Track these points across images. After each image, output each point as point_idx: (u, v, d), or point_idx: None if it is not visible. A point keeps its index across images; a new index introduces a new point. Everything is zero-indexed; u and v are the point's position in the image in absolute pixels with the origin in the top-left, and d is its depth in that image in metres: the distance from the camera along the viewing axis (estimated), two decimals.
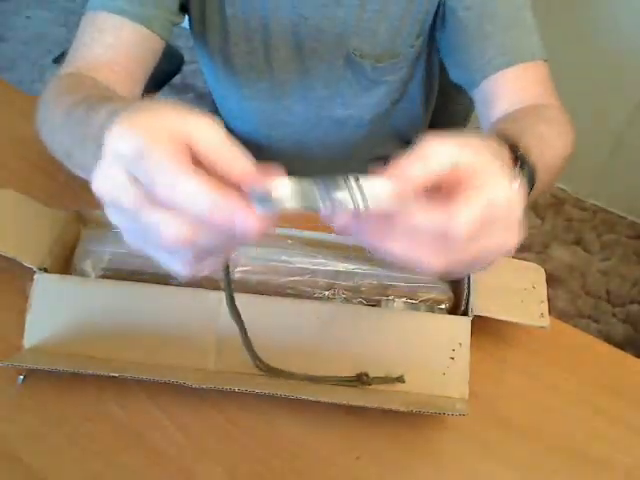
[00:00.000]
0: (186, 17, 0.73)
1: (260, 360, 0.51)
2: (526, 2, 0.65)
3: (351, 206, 0.28)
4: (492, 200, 0.30)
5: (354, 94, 0.76)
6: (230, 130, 0.89)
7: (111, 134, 0.30)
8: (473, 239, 0.30)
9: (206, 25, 0.72)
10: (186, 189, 0.27)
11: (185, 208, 0.28)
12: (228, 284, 0.45)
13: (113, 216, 0.31)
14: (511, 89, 0.63)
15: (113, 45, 0.61)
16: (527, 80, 0.63)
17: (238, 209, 0.27)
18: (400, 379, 0.52)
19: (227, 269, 0.44)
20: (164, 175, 0.28)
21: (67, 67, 0.61)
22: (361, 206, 0.28)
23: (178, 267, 0.32)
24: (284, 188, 0.28)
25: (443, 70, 0.76)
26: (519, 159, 0.40)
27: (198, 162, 0.29)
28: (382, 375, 0.52)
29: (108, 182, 0.30)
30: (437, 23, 0.69)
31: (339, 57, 0.72)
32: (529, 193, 0.42)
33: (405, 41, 0.70)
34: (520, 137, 0.43)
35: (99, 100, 0.45)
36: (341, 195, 0.28)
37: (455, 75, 0.70)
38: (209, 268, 0.32)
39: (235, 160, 0.29)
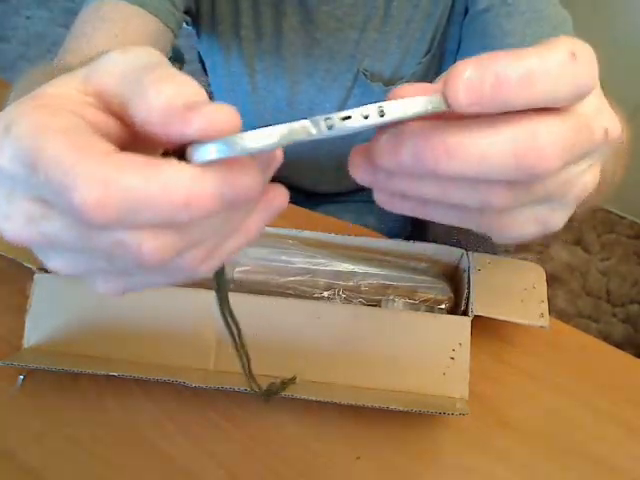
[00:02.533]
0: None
1: (257, 384, 0.44)
2: (550, 0, 0.61)
3: (360, 120, 0.21)
4: (590, 109, 0.22)
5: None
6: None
7: None
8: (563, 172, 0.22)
9: (215, 19, 0.70)
10: (135, 192, 0.19)
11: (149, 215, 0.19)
12: (221, 290, 0.34)
13: (56, 264, 0.22)
14: None
15: (118, 36, 0.54)
16: None
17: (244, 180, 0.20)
18: (292, 380, 0.50)
19: (222, 272, 0.33)
20: (82, 185, 0.18)
21: (56, 59, 0.55)
22: (376, 117, 0.21)
23: (186, 275, 0.23)
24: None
25: None
26: None
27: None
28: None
29: (18, 222, 0.21)
30: (452, 33, 0.68)
31: (350, 75, 0.71)
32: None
33: (415, 60, 0.70)
34: None
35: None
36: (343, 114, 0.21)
37: None
38: (217, 263, 0.24)
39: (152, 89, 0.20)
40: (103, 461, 0.50)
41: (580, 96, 0.21)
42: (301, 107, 0.75)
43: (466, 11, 0.65)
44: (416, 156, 0.21)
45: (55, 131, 0.19)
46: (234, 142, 0.20)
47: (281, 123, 0.21)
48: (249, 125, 0.19)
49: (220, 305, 0.32)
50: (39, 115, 0.20)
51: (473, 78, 0.20)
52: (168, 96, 0.19)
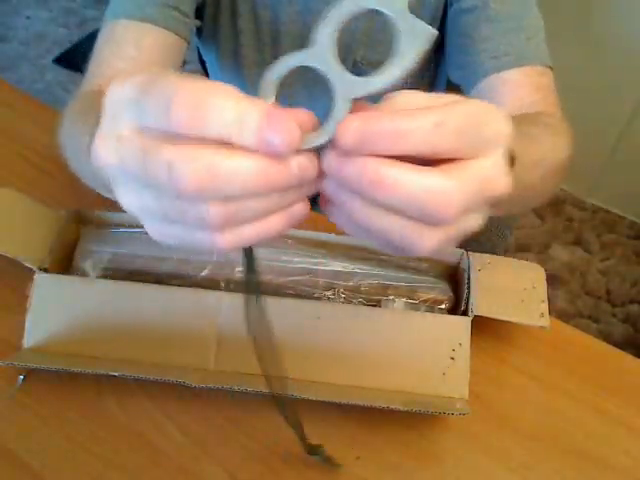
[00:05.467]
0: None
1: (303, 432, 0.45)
2: (531, 6, 0.64)
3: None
4: (485, 171, 0.27)
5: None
6: None
7: (110, 89, 0.26)
8: (464, 213, 0.26)
9: (218, 26, 0.71)
10: (216, 101, 0.23)
11: (215, 127, 0.23)
12: (251, 275, 0.33)
13: (123, 195, 0.27)
14: (510, 93, 0.61)
15: (134, 57, 0.58)
16: (527, 86, 0.61)
17: (285, 117, 0.24)
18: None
19: (250, 253, 0.33)
20: (182, 93, 0.23)
21: (87, 84, 0.59)
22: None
23: (208, 238, 0.26)
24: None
25: (450, 82, 0.75)
26: None
27: None
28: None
29: (109, 142, 0.26)
30: (442, 27, 0.69)
31: (346, 65, 0.71)
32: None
33: None
34: None
35: None
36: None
37: (455, 76, 0.70)
38: (250, 236, 0.26)
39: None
40: (103, 461, 0.50)
41: (450, 153, 0.25)
42: (298, 96, 0.75)
43: (451, 4, 0.65)
44: (352, 177, 0.25)
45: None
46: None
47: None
48: None
49: (247, 289, 0.33)
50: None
51: (358, 130, 0.25)
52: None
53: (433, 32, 0.25)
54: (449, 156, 0.26)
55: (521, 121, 0.55)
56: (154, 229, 0.27)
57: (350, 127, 0.25)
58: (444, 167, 0.25)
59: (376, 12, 0.25)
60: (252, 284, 0.32)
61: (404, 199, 0.25)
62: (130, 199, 0.26)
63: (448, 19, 0.66)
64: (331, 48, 0.25)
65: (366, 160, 0.25)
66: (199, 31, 0.74)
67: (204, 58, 0.83)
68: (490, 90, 0.62)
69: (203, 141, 0.23)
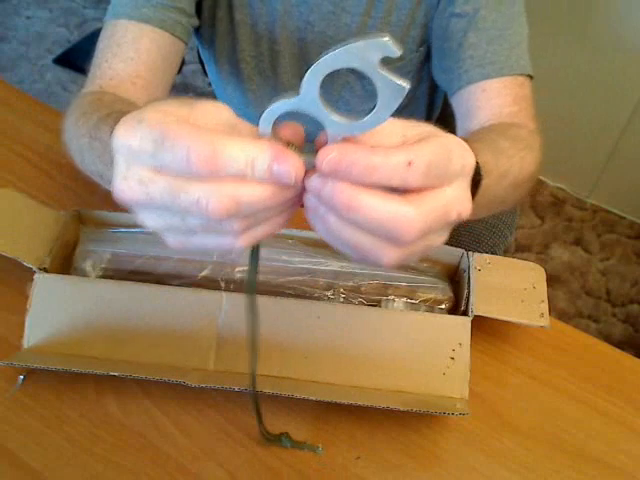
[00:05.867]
0: None
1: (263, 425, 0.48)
2: (518, 16, 0.64)
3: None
4: (447, 200, 0.30)
5: (359, 100, 0.76)
6: None
7: (119, 135, 0.29)
8: (425, 235, 0.30)
9: (215, 29, 0.72)
10: (229, 150, 0.27)
11: (231, 169, 0.28)
12: (253, 269, 0.37)
13: (147, 219, 0.31)
14: (489, 103, 0.62)
15: (133, 58, 0.60)
16: (506, 96, 0.62)
17: (290, 155, 0.28)
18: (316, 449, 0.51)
19: (256, 251, 0.37)
20: (198, 146, 0.27)
21: (90, 85, 0.61)
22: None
23: (230, 242, 0.31)
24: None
25: None
26: None
27: None
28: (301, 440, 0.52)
29: (132, 183, 0.29)
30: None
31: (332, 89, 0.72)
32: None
33: (410, 47, 0.70)
34: (473, 143, 0.43)
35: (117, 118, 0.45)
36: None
37: (438, 78, 0.71)
38: (262, 235, 0.32)
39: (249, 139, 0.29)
40: (103, 461, 0.50)
41: (419, 187, 0.29)
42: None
43: (441, 4, 0.65)
44: (328, 197, 0.29)
45: (177, 119, 0.29)
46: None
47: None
48: (253, 114, 0.24)
49: (248, 282, 0.36)
50: (162, 115, 0.29)
51: (334, 159, 0.28)
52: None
53: (406, 87, 0.28)
54: (417, 189, 0.29)
55: (494, 132, 0.57)
56: (176, 241, 0.32)
57: (328, 156, 0.29)
58: (410, 196, 0.29)
59: (353, 69, 0.28)
60: (253, 276, 0.36)
61: (370, 221, 0.29)
62: (155, 222, 0.31)
63: (436, 19, 0.66)
64: (318, 95, 0.29)
65: (341, 185, 0.29)
66: (197, 30, 0.74)
67: (202, 58, 0.83)
68: (470, 98, 0.63)
69: (221, 178, 0.28)
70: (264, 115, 0.30)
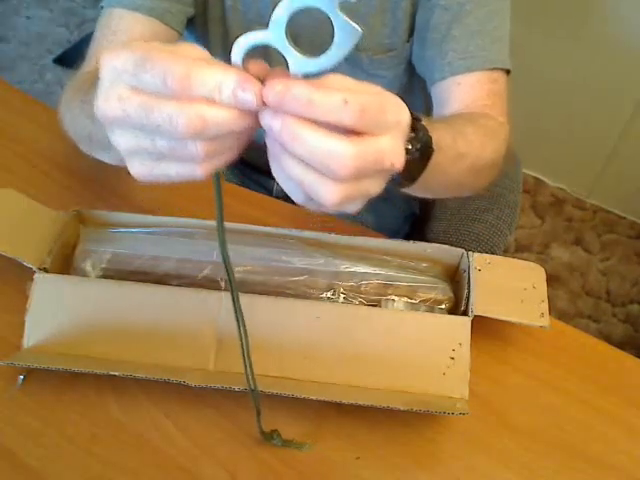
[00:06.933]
0: None
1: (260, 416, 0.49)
2: (501, 11, 0.65)
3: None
4: (382, 147, 0.33)
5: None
6: None
7: (105, 57, 0.32)
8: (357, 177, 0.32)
9: (207, 16, 0.72)
10: (201, 73, 0.30)
11: (201, 91, 0.31)
12: (219, 206, 0.37)
13: (121, 139, 0.33)
14: (463, 95, 0.64)
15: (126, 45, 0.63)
16: (480, 90, 0.64)
17: (253, 82, 0.31)
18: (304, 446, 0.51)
19: (219, 178, 0.37)
20: (174, 67, 0.30)
21: (85, 67, 0.63)
22: None
23: (191, 169, 0.33)
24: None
25: None
26: (416, 127, 0.41)
27: None
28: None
29: (112, 101, 0.32)
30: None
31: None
32: (420, 167, 0.43)
33: (401, 37, 0.70)
34: (432, 119, 0.44)
35: None
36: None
37: (419, 68, 0.72)
38: (221, 163, 0.34)
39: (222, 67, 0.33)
40: (103, 461, 0.50)
41: (356, 128, 0.32)
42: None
43: None
44: (276, 128, 0.32)
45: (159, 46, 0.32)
46: None
47: None
48: None
49: (217, 219, 0.38)
50: (146, 44, 0.32)
51: (278, 91, 0.31)
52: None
53: (360, 32, 0.31)
54: (355, 130, 0.32)
55: (460, 117, 0.59)
56: (143, 167, 0.34)
57: (273, 88, 0.31)
58: (350, 137, 0.32)
59: (316, 9, 0.31)
60: (221, 208, 0.37)
61: (311, 153, 0.31)
62: (127, 143, 0.33)
63: (420, 9, 0.67)
64: (285, 30, 0.32)
65: (288, 119, 0.31)
66: (191, 21, 0.74)
67: None
68: (446, 90, 0.65)
69: (192, 98, 0.31)
70: (235, 47, 0.32)
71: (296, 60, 0.32)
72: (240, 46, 0.32)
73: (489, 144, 0.56)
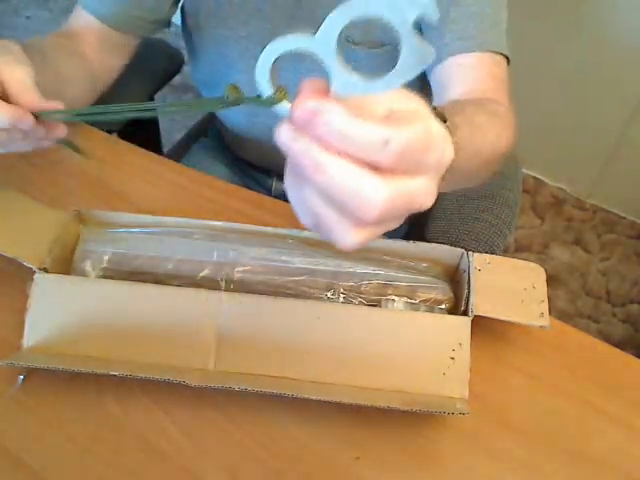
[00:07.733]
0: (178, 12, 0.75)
1: None
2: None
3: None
4: (416, 189, 0.28)
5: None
6: (221, 123, 0.89)
7: None
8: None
9: (200, 11, 0.72)
10: None
11: None
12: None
13: None
14: (465, 76, 0.63)
15: (85, 42, 0.69)
16: (482, 71, 0.63)
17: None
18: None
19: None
20: None
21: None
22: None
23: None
24: None
25: None
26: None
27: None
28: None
29: None
30: None
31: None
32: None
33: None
34: (452, 116, 0.41)
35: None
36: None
37: None
38: (14, 150, 0.46)
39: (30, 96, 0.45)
40: (103, 461, 0.50)
41: (389, 169, 0.26)
42: (285, 74, 0.75)
43: None
44: (298, 154, 0.27)
45: None
46: None
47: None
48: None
49: None
50: None
51: (311, 108, 0.26)
52: None
53: (433, 53, 0.25)
54: (388, 170, 0.27)
55: (472, 105, 0.57)
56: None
57: (304, 104, 0.26)
58: (381, 174, 0.27)
59: (382, 21, 0.25)
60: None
61: (336, 188, 0.26)
62: None
63: None
64: (335, 42, 0.26)
65: (312, 143, 0.26)
66: (184, 19, 0.75)
67: (187, 50, 0.83)
68: (447, 71, 0.64)
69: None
70: (270, 47, 0.28)
71: (343, 80, 0.26)
72: (277, 46, 0.28)
73: (503, 134, 0.53)
